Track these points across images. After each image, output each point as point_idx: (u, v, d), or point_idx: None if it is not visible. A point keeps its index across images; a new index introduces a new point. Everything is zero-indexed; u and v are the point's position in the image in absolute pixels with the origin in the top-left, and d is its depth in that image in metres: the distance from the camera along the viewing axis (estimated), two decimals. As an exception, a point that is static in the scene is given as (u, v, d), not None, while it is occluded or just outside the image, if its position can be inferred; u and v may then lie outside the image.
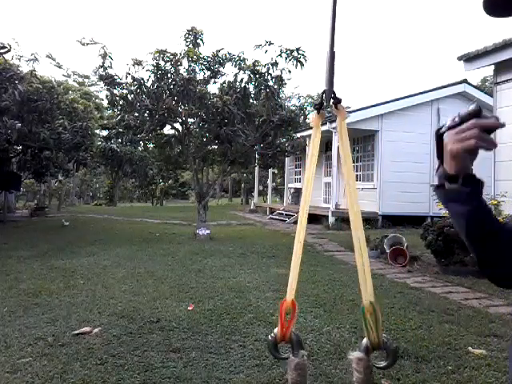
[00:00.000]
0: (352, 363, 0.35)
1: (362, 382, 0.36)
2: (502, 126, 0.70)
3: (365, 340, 0.32)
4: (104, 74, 8.98)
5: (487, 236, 0.75)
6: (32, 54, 10.31)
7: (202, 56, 9.39)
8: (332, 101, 0.47)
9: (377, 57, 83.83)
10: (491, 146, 0.70)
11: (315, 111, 0.46)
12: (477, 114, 0.72)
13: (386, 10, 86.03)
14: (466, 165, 0.73)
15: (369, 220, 11.41)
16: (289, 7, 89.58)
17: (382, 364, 0.33)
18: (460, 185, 0.72)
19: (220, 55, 9.45)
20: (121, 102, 9.34)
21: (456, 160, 0.72)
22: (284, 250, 7.72)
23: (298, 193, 17.58)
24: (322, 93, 0.46)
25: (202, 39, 9.33)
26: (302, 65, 8.75)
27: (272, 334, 0.33)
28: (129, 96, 9.14)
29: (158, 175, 31.73)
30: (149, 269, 5.96)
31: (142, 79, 8.97)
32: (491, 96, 8.55)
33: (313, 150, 0.46)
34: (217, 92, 9.56)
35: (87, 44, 9.01)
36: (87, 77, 32.31)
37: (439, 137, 0.76)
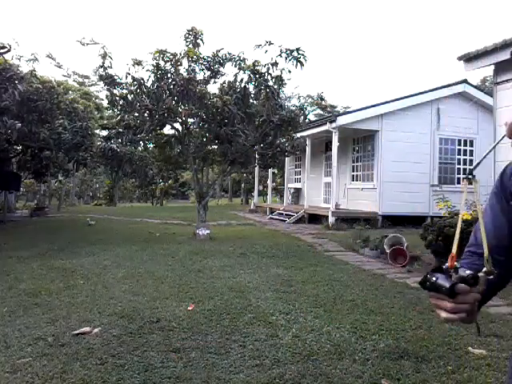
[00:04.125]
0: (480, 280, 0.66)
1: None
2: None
3: (484, 268, 0.65)
4: (104, 74, 8.98)
5: None
6: (32, 54, 10.27)
7: (201, 56, 9.38)
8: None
9: (377, 57, 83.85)
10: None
11: (465, 179, 0.71)
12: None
13: (386, 9, 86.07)
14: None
15: (369, 220, 11.40)
16: (289, 7, 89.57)
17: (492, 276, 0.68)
18: None
19: (220, 55, 9.44)
20: (121, 102, 9.34)
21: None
22: (284, 250, 7.71)
23: (297, 193, 17.59)
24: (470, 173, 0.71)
25: (201, 39, 9.33)
26: (301, 65, 8.75)
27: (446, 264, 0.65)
28: (129, 96, 9.14)
29: (157, 175, 31.65)
30: (149, 269, 5.96)
31: (142, 79, 8.96)
32: (491, 96, 8.55)
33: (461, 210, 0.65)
34: (217, 92, 9.55)
35: (87, 44, 8.99)
36: (87, 77, 32.32)
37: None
